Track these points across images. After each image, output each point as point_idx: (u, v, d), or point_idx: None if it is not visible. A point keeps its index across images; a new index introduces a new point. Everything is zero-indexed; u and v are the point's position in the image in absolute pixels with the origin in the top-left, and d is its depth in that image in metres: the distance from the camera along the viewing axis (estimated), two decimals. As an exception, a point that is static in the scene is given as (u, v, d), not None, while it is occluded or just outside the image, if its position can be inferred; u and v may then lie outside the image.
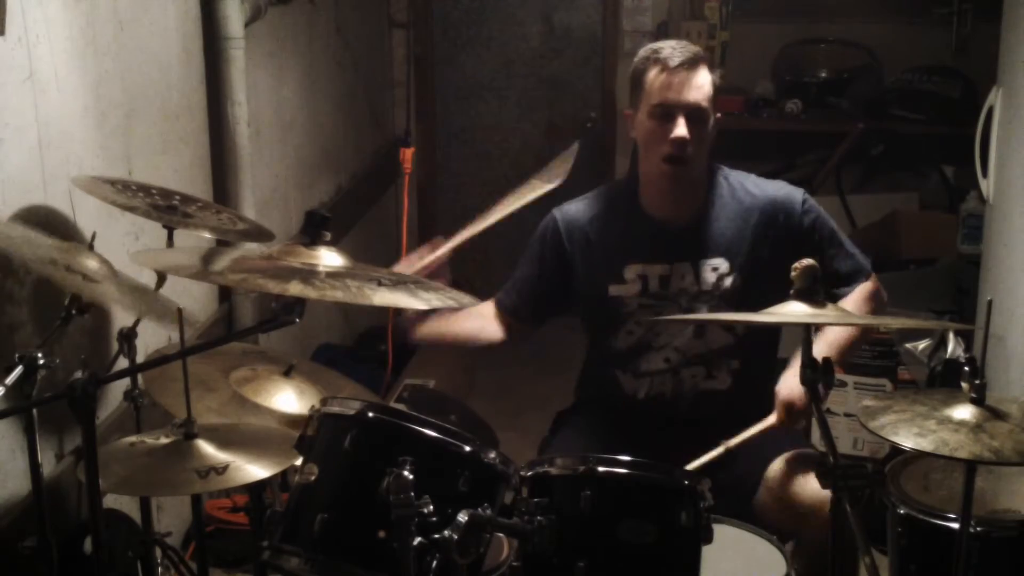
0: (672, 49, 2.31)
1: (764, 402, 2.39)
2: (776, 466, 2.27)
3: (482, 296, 2.44)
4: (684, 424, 2.38)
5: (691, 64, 2.29)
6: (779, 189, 2.42)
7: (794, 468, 2.23)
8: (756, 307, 1.92)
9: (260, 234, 2.48)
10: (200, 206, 2.41)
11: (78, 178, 2.27)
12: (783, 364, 2.36)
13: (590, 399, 2.59)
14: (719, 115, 2.39)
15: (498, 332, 2.56)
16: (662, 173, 2.35)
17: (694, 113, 2.29)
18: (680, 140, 2.28)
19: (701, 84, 2.30)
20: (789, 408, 2.24)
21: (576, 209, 2.50)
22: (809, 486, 2.14)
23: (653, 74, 2.31)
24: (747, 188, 2.42)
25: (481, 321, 2.56)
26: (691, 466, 2.16)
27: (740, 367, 2.41)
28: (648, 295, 2.40)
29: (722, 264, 2.37)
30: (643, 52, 2.37)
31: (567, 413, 2.60)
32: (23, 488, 2.14)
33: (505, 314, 2.55)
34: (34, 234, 2.01)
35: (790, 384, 2.26)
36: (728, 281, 2.37)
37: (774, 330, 2.51)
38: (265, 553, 1.73)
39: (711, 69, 2.33)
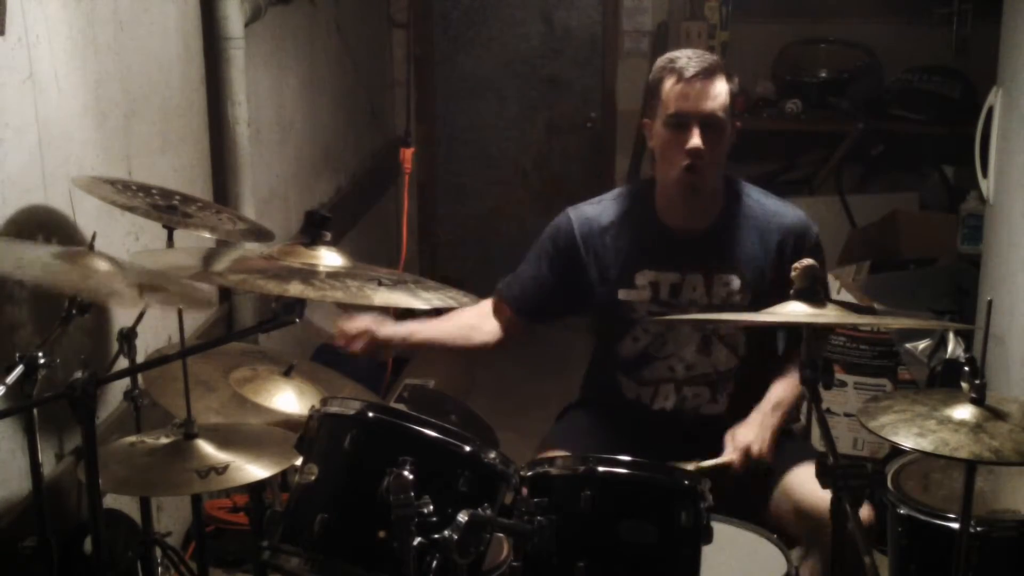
0: (688, 59, 2.30)
1: None
2: (796, 473, 2.27)
3: (481, 295, 2.43)
4: (682, 440, 2.37)
5: (707, 74, 2.28)
6: (798, 218, 2.41)
7: (813, 478, 2.22)
8: (761, 329, 1.90)
9: (260, 234, 2.48)
10: (200, 206, 2.41)
11: (78, 178, 2.26)
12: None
13: (594, 399, 2.59)
14: (738, 123, 2.38)
15: (493, 332, 2.51)
16: (679, 182, 2.33)
17: (709, 122, 2.28)
18: (695, 150, 2.27)
19: (717, 94, 2.29)
20: (747, 450, 2.24)
21: (591, 211, 2.47)
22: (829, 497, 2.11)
23: (669, 84, 2.30)
24: (768, 209, 2.41)
25: (474, 321, 2.51)
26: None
27: (736, 390, 2.41)
28: (658, 302, 2.39)
29: (735, 281, 2.36)
30: (659, 62, 2.36)
31: (572, 407, 2.60)
32: (23, 488, 2.14)
33: (508, 309, 2.50)
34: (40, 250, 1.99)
35: (744, 429, 2.28)
36: (738, 298, 2.36)
37: (774, 357, 2.49)
38: (265, 553, 1.73)
39: (729, 78, 2.32)
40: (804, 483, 2.22)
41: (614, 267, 2.41)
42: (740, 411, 2.38)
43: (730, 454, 2.24)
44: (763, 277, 2.37)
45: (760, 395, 2.40)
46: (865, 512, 2.03)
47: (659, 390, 2.42)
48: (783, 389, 2.38)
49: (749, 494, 2.25)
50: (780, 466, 2.30)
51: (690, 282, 2.38)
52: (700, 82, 2.28)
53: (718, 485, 1.87)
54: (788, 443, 2.40)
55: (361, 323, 2.38)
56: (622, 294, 2.40)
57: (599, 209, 2.47)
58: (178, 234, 2.31)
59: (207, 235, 2.38)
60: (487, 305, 2.52)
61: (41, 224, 2.21)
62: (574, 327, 2.62)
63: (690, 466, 2.16)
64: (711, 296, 2.37)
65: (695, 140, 2.27)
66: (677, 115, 2.29)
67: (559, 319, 2.56)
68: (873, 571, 1.64)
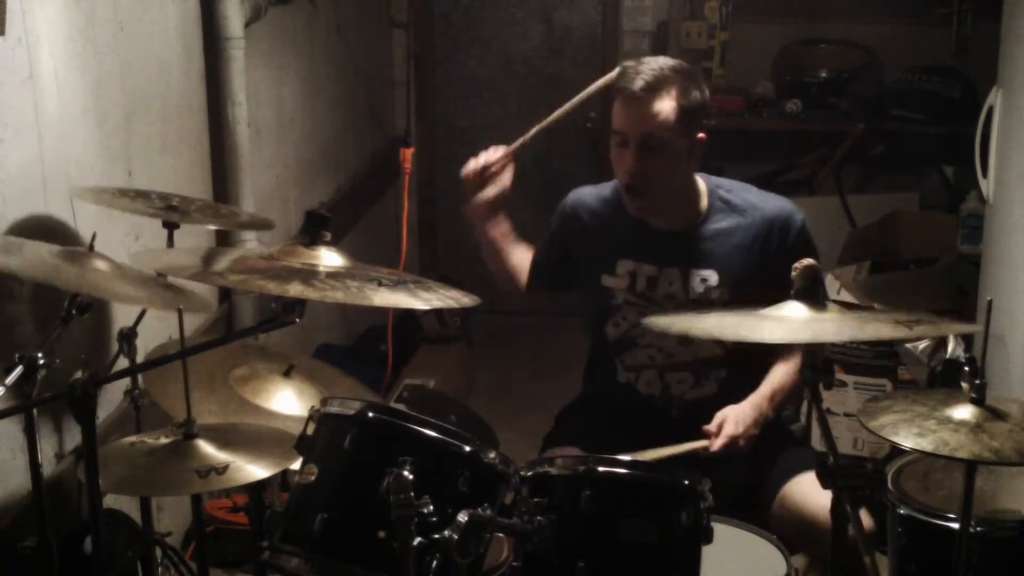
0: (636, 74, 2.25)
1: None
2: (796, 483, 2.25)
3: (482, 296, 2.44)
4: (675, 427, 2.37)
5: (648, 90, 2.23)
6: (781, 206, 2.39)
7: (815, 487, 2.21)
8: (748, 323, 1.88)
9: (259, 224, 2.49)
10: (199, 206, 2.42)
11: (76, 188, 2.27)
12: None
13: (593, 389, 2.60)
14: (702, 135, 2.31)
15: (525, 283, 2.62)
16: (625, 198, 2.38)
17: (647, 142, 2.25)
18: (629, 170, 2.28)
19: (656, 112, 2.23)
20: (732, 442, 2.24)
21: (588, 194, 2.53)
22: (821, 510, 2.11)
23: (616, 99, 2.29)
24: (748, 202, 2.39)
25: (524, 263, 2.61)
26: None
27: (728, 376, 2.41)
28: (635, 293, 2.41)
29: (712, 276, 2.37)
30: (621, 68, 2.32)
31: (569, 409, 2.61)
32: (23, 488, 2.14)
33: (532, 273, 2.60)
34: (41, 249, 1.99)
35: (739, 415, 2.27)
36: (716, 294, 2.36)
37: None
38: (265, 553, 1.73)
39: (683, 91, 2.24)
40: (805, 493, 2.20)
41: (598, 252, 2.46)
42: (734, 393, 2.38)
43: (712, 441, 2.25)
44: (743, 271, 2.36)
45: (754, 377, 2.40)
46: (866, 520, 2.02)
47: (641, 375, 2.44)
48: (783, 374, 2.38)
49: (749, 498, 2.25)
50: (780, 475, 2.30)
51: (667, 275, 2.39)
52: (639, 100, 2.24)
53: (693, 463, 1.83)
54: (787, 449, 2.39)
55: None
56: (605, 280, 2.44)
57: (596, 193, 2.52)
58: (178, 234, 2.31)
59: (209, 227, 2.38)
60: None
61: (41, 224, 2.21)
62: (574, 327, 2.63)
63: (664, 452, 2.19)
64: (688, 291, 2.38)
65: (628, 161, 2.27)
66: (618, 133, 2.29)
67: (570, 289, 2.60)
68: (873, 571, 1.64)
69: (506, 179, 2.45)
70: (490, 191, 2.44)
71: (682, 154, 2.30)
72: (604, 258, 2.44)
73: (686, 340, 2.39)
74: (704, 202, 2.41)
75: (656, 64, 2.27)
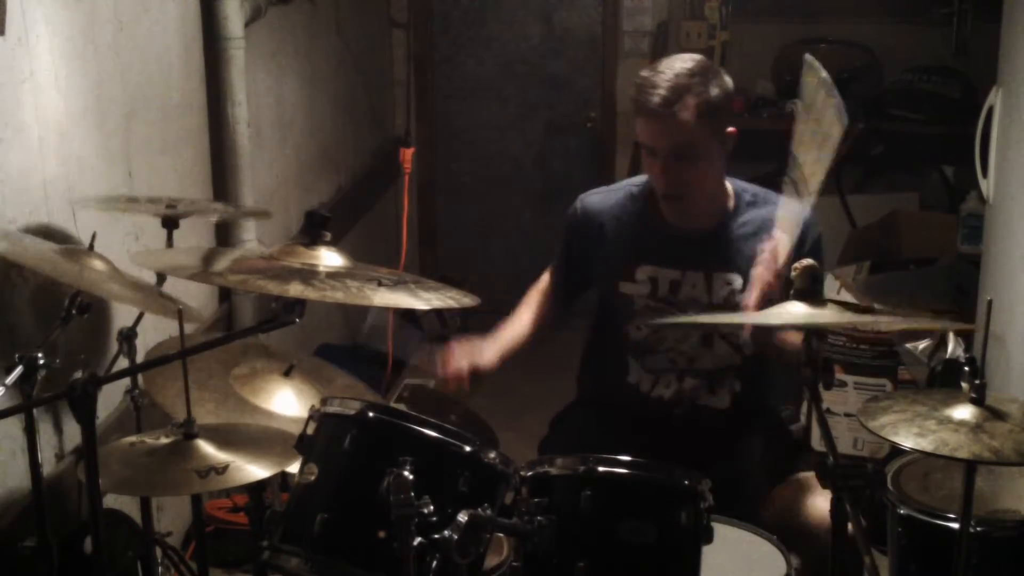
0: (654, 88, 2.22)
1: (759, 425, 2.42)
2: (783, 488, 2.26)
3: (480, 295, 2.44)
4: (677, 432, 2.37)
5: (666, 104, 2.20)
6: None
7: (802, 490, 2.22)
8: (767, 328, 1.88)
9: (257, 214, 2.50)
10: (201, 203, 2.42)
11: (77, 201, 2.28)
12: (781, 390, 2.36)
13: (592, 390, 2.59)
14: (732, 129, 2.32)
15: (553, 310, 2.58)
16: (663, 204, 2.37)
17: (677, 152, 2.25)
18: (664, 180, 2.28)
19: (679, 123, 2.21)
20: (765, 287, 2.15)
21: (597, 200, 2.49)
22: (816, 509, 2.13)
23: (638, 114, 2.27)
24: (771, 207, 2.37)
25: (543, 304, 2.57)
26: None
27: (741, 389, 2.41)
28: (657, 298, 2.39)
29: (736, 280, 2.36)
30: (636, 79, 2.30)
31: (565, 414, 2.60)
32: (23, 488, 2.14)
33: (557, 295, 2.58)
34: (42, 245, 2.00)
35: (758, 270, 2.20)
36: (739, 297, 2.35)
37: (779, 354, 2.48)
38: (265, 553, 1.73)
39: (703, 91, 2.23)
40: (799, 495, 2.21)
41: (615, 259, 2.43)
42: (744, 409, 2.38)
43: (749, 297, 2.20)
44: None
45: (766, 394, 2.40)
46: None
47: (660, 379, 2.43)
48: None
49: (747, 498, 2.25)
50: (776, 475, 2.30)
51: (690, 280, 2.38)
52: (660, 115, 2.22)
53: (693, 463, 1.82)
54: (784, 450, 2.40)
55: (460, 362, 2.37)
56: (622, 287, 2.42)
57: (606, 199, 2.49)
58: (178, 234, 2.32)
59: (210, 218, 2.39)
60: (544, 281, 2.60)
61: (41, 224, 2.21)
62: (574, 328, 2.62)
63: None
64: (712, 295, 2.37)
65: (662, 176, 2.27)
66: (646, 146, 2.29)
67: (588, 289, 2.58)
68: (873, 571, 1.64)
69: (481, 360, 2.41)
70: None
71: (714, 153, 2.30)
72: (622, 265, 2.42)
73: (707, 344, 2.39)
74: (731, 203, 2.40)
75: (671, 72, 2.24)
